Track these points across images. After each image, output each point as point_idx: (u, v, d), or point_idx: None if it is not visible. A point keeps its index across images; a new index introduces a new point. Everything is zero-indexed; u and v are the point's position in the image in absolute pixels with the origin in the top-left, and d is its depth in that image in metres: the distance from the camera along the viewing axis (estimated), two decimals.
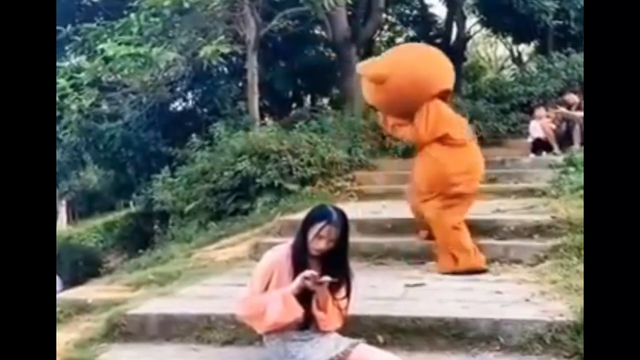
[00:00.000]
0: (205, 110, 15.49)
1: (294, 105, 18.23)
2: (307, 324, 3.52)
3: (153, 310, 4.28)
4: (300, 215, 3.79)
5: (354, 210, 7.12)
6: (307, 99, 18.94)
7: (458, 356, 3.63)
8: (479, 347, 3.67)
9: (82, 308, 5.10)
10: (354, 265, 4.24)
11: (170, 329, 4.07)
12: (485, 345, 3.68)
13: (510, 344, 3.66)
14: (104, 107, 11.97)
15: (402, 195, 8.26)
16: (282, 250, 3.60)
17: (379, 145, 10.74)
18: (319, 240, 3.45)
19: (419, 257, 5.63)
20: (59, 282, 11.07)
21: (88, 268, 13.50)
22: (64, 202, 22.30)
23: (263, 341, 3.57)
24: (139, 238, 13.46)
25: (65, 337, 4.35)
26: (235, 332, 3.94)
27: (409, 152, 10.48)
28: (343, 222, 3.53)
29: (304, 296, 3.44)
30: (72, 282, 10.14)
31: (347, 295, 3.58)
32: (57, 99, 9.70)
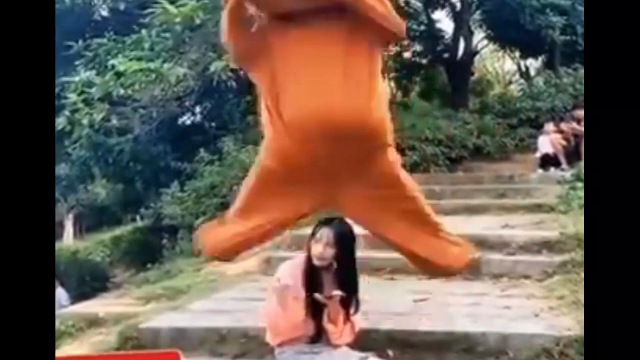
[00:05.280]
0: (213, 124, 15.55)
1: None
2: (318, 337, 3.56)
3: (165, 324, 4.32)
4: (310, 230, 3.85)
5: None
6: None
7: None
8: None
9: (94, 322, 5.16)
10: (365, 280, 4.33)
11: (182, 342, 4.10)
12: (494, 359, 3.72)
13: (519, 358, 3.69)
14: (114, 121, 12.06)
15: None
16: (295, 263, 3.66)
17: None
18: (317, 245, 3.52)
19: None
20: (66, 296, 11.11)
21: (96, 283, 13.51)
22: (71, 216, 22.36)
23: (275, 354, 3.61)
24: (146, 253, 13.49)
25: (77, 350, 4.40)
26: (247, 345, 3.99)
27: (416, 166, 10.57)
28: (342, 229, 3.59)
29: (315, 310, 3.49)
30: (80, 296, 10.17)
31: (357, 310, 3.62)
32: (69, 114, 9.80)
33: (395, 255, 5.97)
